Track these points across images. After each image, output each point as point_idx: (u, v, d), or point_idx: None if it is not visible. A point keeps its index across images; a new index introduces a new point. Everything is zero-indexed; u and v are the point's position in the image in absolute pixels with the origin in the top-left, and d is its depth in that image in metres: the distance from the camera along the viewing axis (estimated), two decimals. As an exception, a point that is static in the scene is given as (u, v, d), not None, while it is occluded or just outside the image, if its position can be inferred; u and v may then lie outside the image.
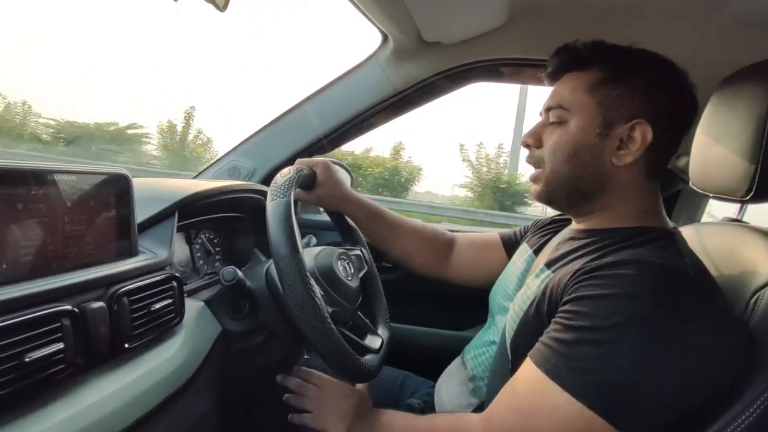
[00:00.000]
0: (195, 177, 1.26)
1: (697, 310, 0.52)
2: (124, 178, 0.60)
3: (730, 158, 0.68)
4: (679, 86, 0.64)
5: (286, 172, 0.76)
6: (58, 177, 0.50)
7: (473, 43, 1.02)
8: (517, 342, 0.65)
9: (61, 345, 0.45)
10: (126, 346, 0.53)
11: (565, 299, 0.57)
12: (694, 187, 0.78)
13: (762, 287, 0.56)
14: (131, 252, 0.61)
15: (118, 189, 0.59)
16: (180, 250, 0.90)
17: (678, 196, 1.14)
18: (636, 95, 0.63)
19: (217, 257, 1.00)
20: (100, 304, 0.51)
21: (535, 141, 0.70)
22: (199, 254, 0.95)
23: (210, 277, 0.90)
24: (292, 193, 0.72)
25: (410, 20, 0.91)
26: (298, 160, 0.90)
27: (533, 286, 0.67)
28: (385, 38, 1.05)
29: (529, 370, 0.55)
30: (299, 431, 0.76)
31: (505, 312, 0.78)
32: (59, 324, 0.45)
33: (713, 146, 0.70)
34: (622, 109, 0.63)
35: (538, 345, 0.56)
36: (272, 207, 0.69)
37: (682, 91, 0.64)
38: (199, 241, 0.96)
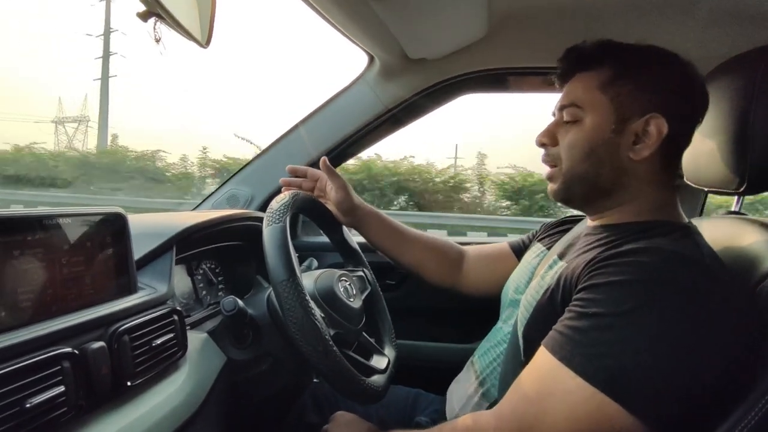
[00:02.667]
0: (195, 207, 1.27)
1: (711, 294, 0.52)
2: (120, 217, 0.60)
3: (720, 152, 0.68)
4: (688, 77, 0.65)
5: (281, 198, 0.77)
6: (53, 221, 0.51)
7: (458, 57, 1.03)
8: (530, 331, 0.65)
9: (62, 388, 0.45)
10: (129, 384, 0.54)
11: (579, 287, 0.57)
12: (689, 182, 0.78)
13: (764, 278, 0.56)
14: (131, 289, 0.61)
15: (113, 228, 0.60)
16: (182, 281, 0.90)
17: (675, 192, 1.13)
18: (647, 90, 0.64)
19: (220, 286, 1.01)
20: (101, 344, 0.51)
21: (550, 140, 0.70)
22: (201, 285, 0.96)
23: (213, 307, 0.90)
24: (288, 218, 0.72)
25: (393, 40, 0.93)
26: (323, 160, 0.92)
27: (547, 276, 0.68)
28: (371, 59, 1.07)
29: (542, 358, 0.56)
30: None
31: (516, 305, 0.78)
32: (59, 367, 0.46)
33: (703, 141, 0.70)
34: (635, 104, 0.64)
35: (551, 333, 0.57)
36: (268, 233, 0.69)
37: (691, 82, 0.65)
38: (201, 271, 0.96)
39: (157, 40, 0.52)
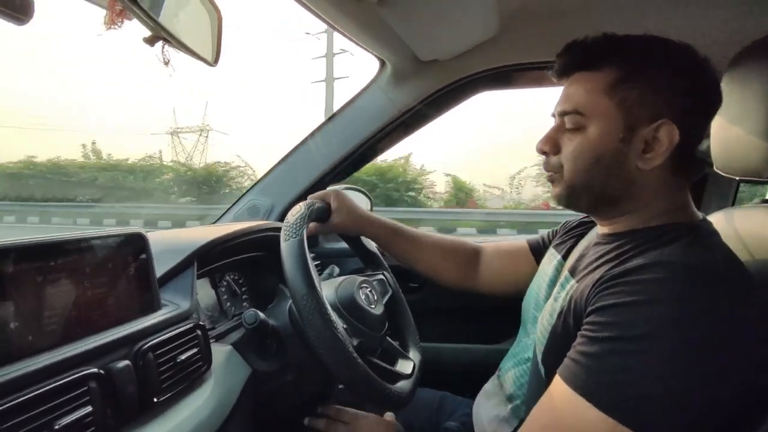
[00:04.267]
0: (217, 220, 1.30)
1: (731, 309, 0.49)
2: (140, 237, 0.62)
3: (751, 138, 0.64)
4: (703, 75, 0.59)
5: (297, 210, 0.77)
6: (74, 246, 0.53)
7: (470, 56, 1.02)
8: (548, 357, 0.63)
9: (89, 408, 0.46)
10: (155, 400, 0.55)
11: (588, 310, 0.55)
12: (719, 172, 0.74)
13: None
14: (154, 307, 0.63)
15: (135, 248, 0.61)
16: (206, 295, 0.92)
17: (706, 181, 1.09)
18: (658, 93, 0.59)
19: (244, 297, 1.02)
20: (126, 362, 0.52)
21: (552, 148, 0.66)
22: (225, 297, 0.97)
23: (238, 318, 0.91)
24: (305, 231, 0.73)
25: (403, 43, 0.92)
26: (310, 196, 0.91)
27: (559, 298, 0.65)
28: (382, 63, 1.06)
29: (557, 387, 0.53)
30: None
31: (536, 323, 0.76)
32: (86, 388, 0.47)
33: (731, 128, 0.67)
34: (645, 110, 0.59)
35: (565, 361, 0.54)
36: (286, 247, 0.70)
37: (705, 80, 0.60)
38: (224, 284, 0.98)
39: (166, 63, 0.53)
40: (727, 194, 1.08)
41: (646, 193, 0.62)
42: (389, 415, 0.80)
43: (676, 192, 0.63)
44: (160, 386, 0.56)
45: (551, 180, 0.68)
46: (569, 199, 0.66)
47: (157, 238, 0.78)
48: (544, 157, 0.67)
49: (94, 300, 0.54)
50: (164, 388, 0.56)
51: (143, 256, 0.62)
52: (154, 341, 0.57)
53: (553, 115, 0.68)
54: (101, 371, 0.49)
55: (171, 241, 0.77)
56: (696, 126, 0.61)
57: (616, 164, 0.61)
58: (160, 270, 0.70)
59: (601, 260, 0.62)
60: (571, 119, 0.63)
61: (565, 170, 0.64)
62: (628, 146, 0.60)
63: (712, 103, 0.61)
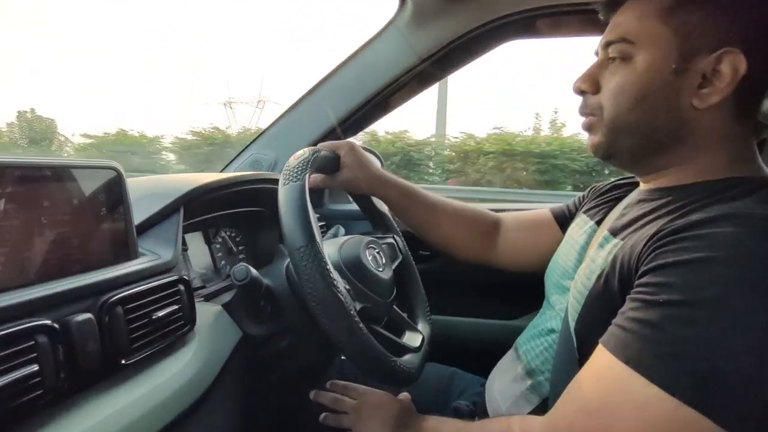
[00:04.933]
0: (217, 174, 1.21)
1: None
2: (114, 172, 0.53)
3: None
4: None
5: (300, 154, 0.68)
6: (31, 172, 0.44)
7: (502, -6, 0.89)
8: (583, 325, 0.54)
9: (35, 367, 0.38)
10: (123, 362, 0.47)
11: (642, 270, 0.45)
12: None
13: None
14: (129, 255, 0.54)
15: (107, 184, 0.52)
16: (198, 250, 0.84)
17: (762, 147, 0.97)
18: (723, 16, 0.50)
19: (241, 256, 0.94)
20: (87, 315, 0.44)
21: (591, 86, 0.57)
22: (220, 254, 0.89)
23: (233, 277, 0.83)
24: (307, 176, 0.63)
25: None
26: (320, 144, 0.82)
27: (598, 258, 0.56)
28: (402, 1, 0.94)
29: (602, 360, 0.44)
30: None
31: (564, 292, 0.66)
32: (33, 342, 0.39)
33: None
34: (706, 37, 0.50)
35: (611, 328, 0.45)
36: (284, 192, 0.61)
37: None
38: (219, 239, 0.89)
39: None
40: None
41: (700, 139, 0.53)
42: (405, 395, 0.73)
43: (737, 142, 0.53)
44: (129, 346, 0.47)
45: (588, 127, 0.59)
46: (609, 147, 0.57)
47: (140, 182, 0.69)
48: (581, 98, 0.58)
49: (52, 240, 0.46)
50: (135, 349, 0.48)
51: (118, 194, 0.53)
52: (125, 293, 0.48)
53: (596, 53, 0.58)
54: (54, 324, 0.41)
55: (155, 185, 0.68)
56: (767, 58, 0.50)
57: (665, 101, 0.52)
58: (140, 215, 0.61)
59: (654, 214, 0.52)
60: (616, 48, 0.54)
61: (606, 110, 0.55)
62: (682, 79, 0.51)
63: None
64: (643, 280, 0.45)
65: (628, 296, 0.46)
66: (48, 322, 0.40)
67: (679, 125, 0.53)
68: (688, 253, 0.42)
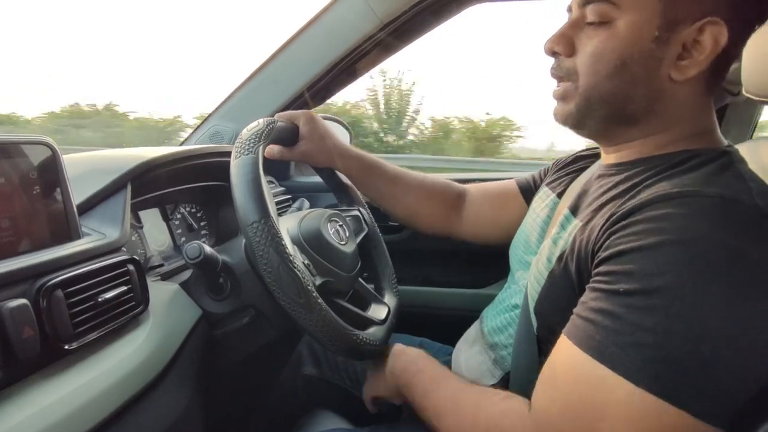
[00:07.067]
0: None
1: None
2: (46, 147, 0.49)
3: None
4: None
5: (254, 125, 0.65)
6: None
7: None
8: (543, 306, 0.54)
9: (-38, 358, 0.36)
10: (66, 347, 0.45)
11: (599, 257, 0.45)
12: (749, 95, 0.63)
13: None
14: (70, 236, 0.51)
15: (39, 161, 0.48)
16: (155, 227, 0.81)
17: (724, 112, 0.98)
18: None
19: (203, 232, 0.91)
20: (21, 301, 0.41)
21: (565, 47, 0.54)
22: (179, 231, 0.86)
23: (193, 255, 0.81)
24: (261, 149, 0.61)
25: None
26: (277, 115, 0.78)
27: (560, 240, 0.55)
28: (363, -40, 0.89)
29: (567, 351, 0.44)
30: (299, 419, 0.68)
31: (527, 268, 0.66)
32: (-42, 332, 0.36)
33: None
34: (692, 5, 0.48)
35: (574, 319, 0.45)
36: (236, 166, 0.58)
37: None
38: (178, 216, 0.86)
39: None
40: (748, 126, 0.97)
41: (672, 112, 0.52)
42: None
43: (702, 113, 0.53)
44: (72, 330, 0.45)
45: (561, 96, 0.56)
46: (580, 115, 0.54)
47: (83, 158, 0.65)
48: (553, 60, 0.55)
49: (-23, 223, 0.42)
50: (79, 333, 0.46)
51: (52, 172, 0.49)
52: (65, 276, 0.46)
53: (569, 10, 0.55)
54: None
55: (100, 161, 0.64)
56: (744, 28, 0.48)
57: (644, 71, 0.50)
58: (84, 194, 0.58)
59: (610, 194, 0.51)
60: (595, 9, 0.50)
61: (581, 76, 0.52)
62: (663, 49, 0.49)
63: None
64: (601, 269, 0.44)
65: (587, 285, 0.45)
66: (-25, 309, 0.38)
67: (654, 97, 0.51)
68: (641, 239, 0.42)
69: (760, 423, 0.37)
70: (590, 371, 0.41)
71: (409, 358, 0.66)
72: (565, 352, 0.44)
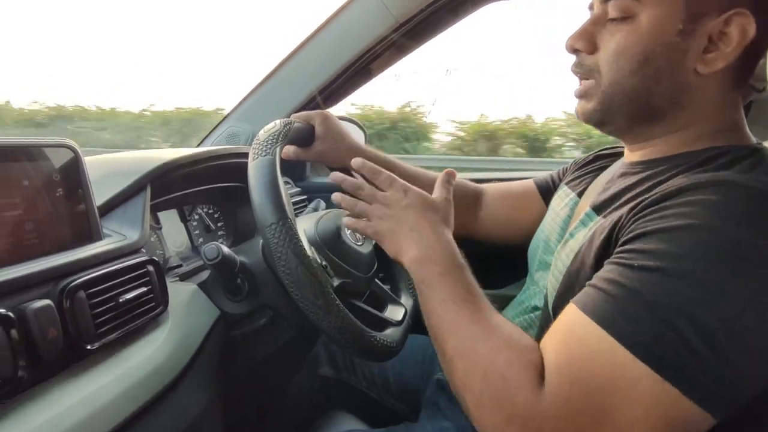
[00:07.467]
0: (194, 149, 1.17)
1: None
2: (69, 150, 0.50)
3: None
4: None
5: (271, 126, 0.65)
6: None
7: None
8: (560, 304, 0.53)
9: (-10, 359, 0.37)
10: (88, 348, 0.45)
11: (623, 239, 0.44)
12: None
13: None
14: (92, 237, 0.52)
15: (62, 163, 0.49)
16: (173, 228, 0.81)
17: (748, 110, 0.95)
18: None
19: (220, 233, 0.92)
20: (45, 302, 0.42)
21: (587, 44, 0.53)
22: (197, 232, 0.87)
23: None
24: (278, 150, 0.61)
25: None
26: (293, 115, 0.78)
27: (579, 236, 0.54)
28: (378, -40, 0.89)
29: (573, 318, 0.43)
30: (315, 420, 0.68)
31: (547, 268, 0.65)
32: (-14, 333, 0.37)
33: None
34: None
35: (585, 288, 0.44)
36: (253, 167, 0.58)
37: None
38: (196, 217, 0.87)
39: None
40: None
41: (698, 107, 0.50)
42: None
43: (730, 109, 0.51)
44: (94, 331, 0.46)
45: (583, 94, 0.55)
46: (604, 113, 0.53)
47: (103, 160, 0.66)
48: (574, 58, 0.54)
49: (3, 225, 0.43)
50: (101, 334, 0.46)
51: (74, 173, 0.50)
52: (88, 277, 0.46)
53: (590, 8, 0.54)
54: (9, 313, 0.39)
55: (119, 163, 0.65)
56: None
57: (668, 65, 0.48)
58: (104, 195, 0.59)
59: (635, 191, 0.50)
60: (618, 4, 0.49)
61: (603, 74, 0.52)
62: (688, 42, 0.47)
63: None
64: (623, 247, 0.43)
65: (606, 261, 0.44)
66: (2, 311, 0.38)
67: (680, 92, 0.50)
68: (669, 221, 0.41)
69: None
70: (594, 338, 0.40)
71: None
72: (570, 319, 0.43)
